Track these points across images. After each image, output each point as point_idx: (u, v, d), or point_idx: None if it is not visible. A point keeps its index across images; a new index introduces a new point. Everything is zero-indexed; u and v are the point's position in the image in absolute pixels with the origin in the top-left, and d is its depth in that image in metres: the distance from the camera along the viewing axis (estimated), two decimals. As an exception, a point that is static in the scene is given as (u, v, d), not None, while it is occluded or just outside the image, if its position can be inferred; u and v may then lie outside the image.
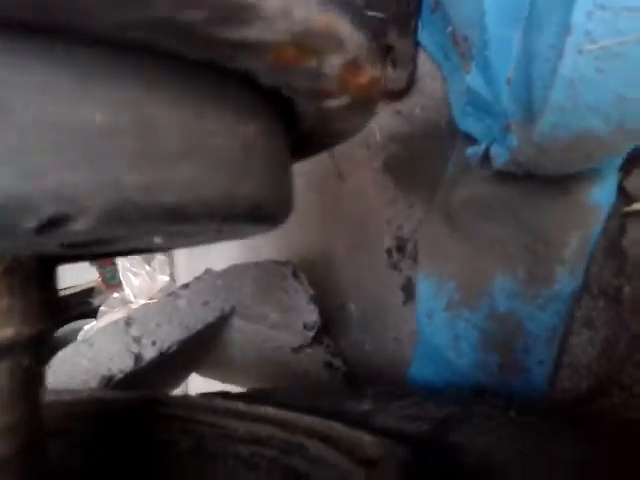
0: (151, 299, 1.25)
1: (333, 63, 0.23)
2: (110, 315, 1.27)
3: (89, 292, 1.85)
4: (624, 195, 0.46)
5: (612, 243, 0.46)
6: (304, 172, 0.69)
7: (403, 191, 0.62)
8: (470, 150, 0.49)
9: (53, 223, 0.17)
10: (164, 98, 0.20)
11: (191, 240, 0.33)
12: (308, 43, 0.21)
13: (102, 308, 1.40)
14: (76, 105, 0.17)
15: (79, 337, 1.12)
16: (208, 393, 0.48)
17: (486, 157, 0.47)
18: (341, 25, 0.21)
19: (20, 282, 0.25)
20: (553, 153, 0.39)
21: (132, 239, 0.25)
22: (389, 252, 0.66)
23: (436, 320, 0.53)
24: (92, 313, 1.52)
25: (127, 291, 1.36)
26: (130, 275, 1.34)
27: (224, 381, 0.83)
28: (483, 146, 0.47)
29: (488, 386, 0.51)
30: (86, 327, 1.30)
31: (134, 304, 1.29)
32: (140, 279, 1.34)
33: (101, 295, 1.76)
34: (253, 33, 0.19)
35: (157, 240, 0.26)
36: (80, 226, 0.18)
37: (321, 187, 0.72)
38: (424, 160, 0.59)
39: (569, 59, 0.35)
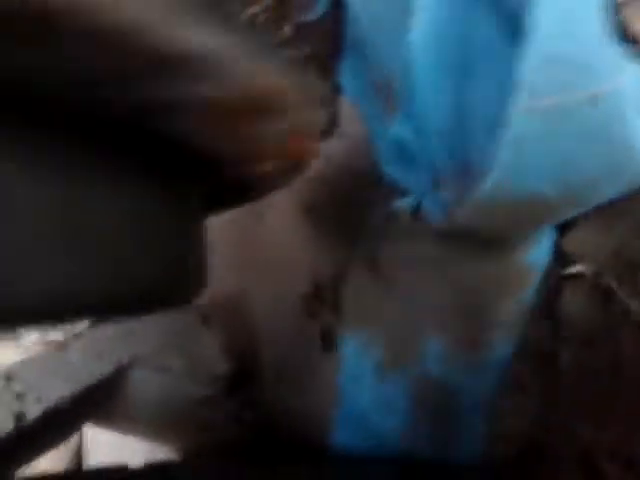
0: (49, 342, 1.14)
1: (278, 129, 0.19)
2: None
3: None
4: (560, 255, 0.43)
5: (548, 305, 0.44)
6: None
7: (324, 236, 0.58)
8: (399, 202, 0.45)
9: None
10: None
11: None
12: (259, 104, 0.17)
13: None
14: None
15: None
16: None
17: (417, 211, 0.43)
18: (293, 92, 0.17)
19: None
20: (495, 216, 0.36)
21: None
22: (306, 299, 0.62)
23: (362, 383, 0.49)
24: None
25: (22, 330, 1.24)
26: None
27: (124, 433, 0.76)
28: (413, 199, 0.43)
29: (417, 455, 0.47)
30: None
31: (28, 345, 1.17)
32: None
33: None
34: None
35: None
36: None
37: (242, 226, 0.67)
38: (346, 205, 0.55)
39: (515, 116, 0.32)
